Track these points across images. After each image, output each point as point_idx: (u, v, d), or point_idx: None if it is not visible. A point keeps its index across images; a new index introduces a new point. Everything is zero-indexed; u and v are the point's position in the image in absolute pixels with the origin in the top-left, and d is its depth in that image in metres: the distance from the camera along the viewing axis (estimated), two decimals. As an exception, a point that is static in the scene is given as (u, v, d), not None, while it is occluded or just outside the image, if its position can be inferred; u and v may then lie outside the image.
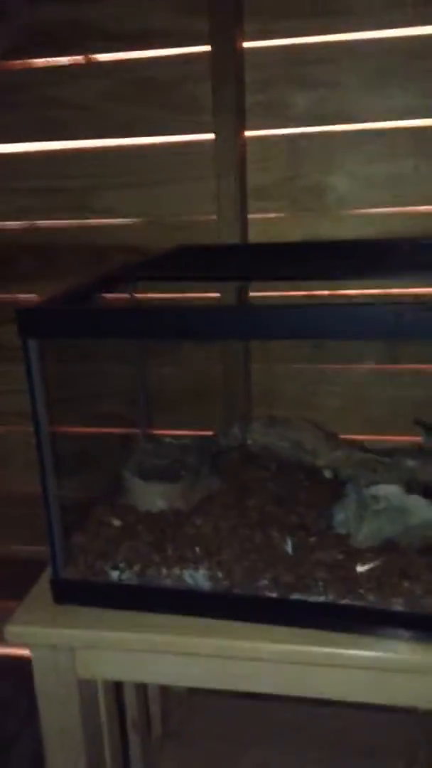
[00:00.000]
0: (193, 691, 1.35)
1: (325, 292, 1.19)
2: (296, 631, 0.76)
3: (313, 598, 0.76)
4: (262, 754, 1.24)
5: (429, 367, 1.20)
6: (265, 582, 0.78)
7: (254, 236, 1.21)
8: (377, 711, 1.28)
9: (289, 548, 0.78)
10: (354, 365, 1.23)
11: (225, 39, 1.10)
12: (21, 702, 1.44)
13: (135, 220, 1.26)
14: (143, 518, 0.92)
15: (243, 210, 1.20)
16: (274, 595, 0.78)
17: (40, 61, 1.19)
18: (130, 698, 1.11)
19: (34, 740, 1.32)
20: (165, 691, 1.26)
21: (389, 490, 0.77)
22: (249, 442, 0.88)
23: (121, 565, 0.84)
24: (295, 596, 0.77)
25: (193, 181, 1.20)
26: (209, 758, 1.23)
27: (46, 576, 0.89)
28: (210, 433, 1.06)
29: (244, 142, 1.17)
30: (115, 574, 0.84)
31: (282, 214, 1.21)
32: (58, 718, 0.84)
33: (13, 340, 1.37)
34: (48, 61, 1.19)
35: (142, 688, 1.15)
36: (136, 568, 0.83)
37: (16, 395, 1.42)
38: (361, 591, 0.74)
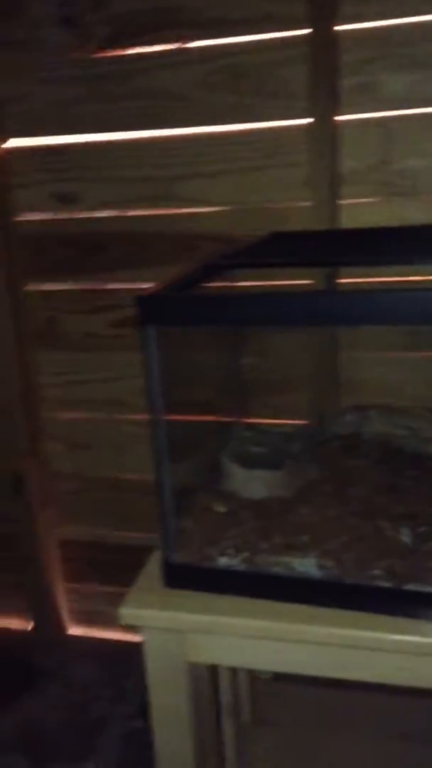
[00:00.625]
0: (278, 678, 1.36)
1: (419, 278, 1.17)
2: (410, 621, 0.75)
3: (428, 589, 0.75)
4: (350, 741, 1.24)
5: None
6: (377, 571, 0.78)
7: (346, 222, 1.20)
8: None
9: (404, 537, 0.78)
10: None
11: (322, 23, 1.09)
12: (108, 687, 1.47)
13: (224, 208, 1.26)
14: (246, 505, 0.92)
15: (335, 195, 1.18)
16: (387, 584, 0.77)
17: (134, 51, 1.20)
18: (224, 683, 1.12)
19: (124, 721, 1.35)
20: (253, 677, 1.27)
21: None
22: (364, 430, 0.87)
23: (230, 551, 0.85)
24: (410, 586, 0.76)
25: (285, 168, 1.20)
26: (298, 744, 1.24)
27: (153, 561, 0.90)
28: (304, 422, 1.06)
29: (337, 126, 1.16)
30: (223, 560, 0.84)
31: (374, 199, 1.19)
32: (167, 699, 0.86)
33: (104, 329, 1.41)
34: (142, 50, 1.19)
35: (234, 675, 1.16)
36: (245, 554, 0.84)
37: (104, 384, 1.44)
38: None
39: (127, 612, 0.83)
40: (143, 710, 1.43)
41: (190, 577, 0.84)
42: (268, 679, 1.35)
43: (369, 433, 0.87)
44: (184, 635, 0.82)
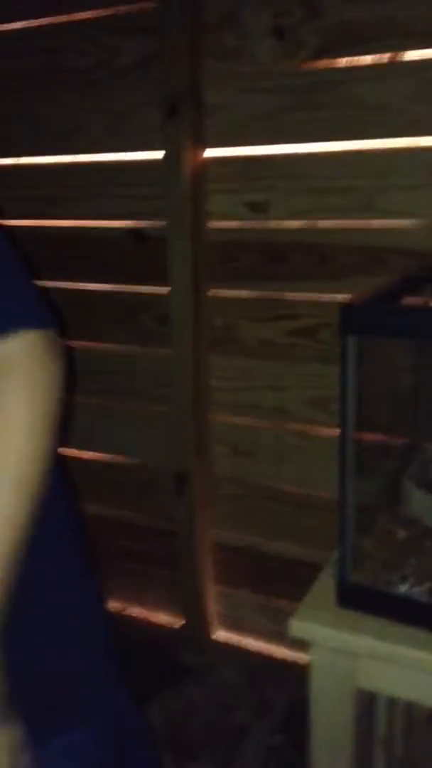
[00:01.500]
0: (433, 720, 1.29)
1: None
2: None
3: None
4: None
5: None
6: None
7: None
8: None
9: None
10: None
11: None
12: (250, 696, 1.46)
13: (420, 221, 1.21)
14: (429, 533, 0.88)
15: None
16: None
17: (343, 61, 1.19)
18: (380, 716, 1.07)
19: (264, 735, 1.33)
20: (409, 714, 1.21)
21: None
22: None
23: (411, 578, 0.81)
24: None
25: None
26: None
27: (324, 577, 0.88)
28: None
29: None
30: (403, 587, 0.81)
31: None
32: (331, 721, 0.83)
33: (279, 337, 1.41)
34: (351, 60, 1.18)
35: (391, 708, 1.11)
36: (427, 584, 0.80)
37: (272, 392, 1.44)
38: None
39: (298, 625, 0.81)
40: (285, 725, 1.41)
41: (365, 600, 0.82)
42: (424, 718, 1.28)
43: None
44: (356, 659, 0.80)
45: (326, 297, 1.33)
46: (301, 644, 0.84)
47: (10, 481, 0.65)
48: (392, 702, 1.10)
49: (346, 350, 0.75)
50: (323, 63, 1.20)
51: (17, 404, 0.67)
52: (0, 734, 0.64)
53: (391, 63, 1.16)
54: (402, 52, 1.15)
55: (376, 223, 1.25)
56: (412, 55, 1.14)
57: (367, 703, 0.91)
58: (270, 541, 1.53)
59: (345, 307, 0.74)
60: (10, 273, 0.75)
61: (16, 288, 0.74)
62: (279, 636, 1.53)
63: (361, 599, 0.82)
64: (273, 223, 1.35)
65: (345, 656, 0.80)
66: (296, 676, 1.10)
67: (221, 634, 1.67)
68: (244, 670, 1.53)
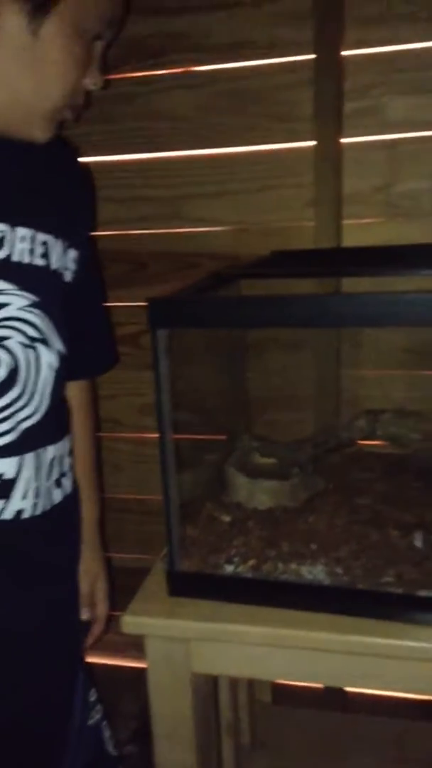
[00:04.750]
0: (277, 702, 1.34)
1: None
2: (422, 628, 0.75)
3: (439, 595, 0.75)
4: (349, 767, 1.21)
5: None
6: (388, 578, 0.77)
7: (349, 242, 1.22)
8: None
9: (417, 543, 0.77)
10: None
11: (327, 48, 1.12)
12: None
13: (227, 228, 1.28)
14: (252, 515, 0.92)
15: (338, 216, 1.21)
16: (398, 591, 0.76)
17: (139, 74, 1.22)
18: (224, 703, 1.10)
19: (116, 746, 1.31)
20: (252, 700, 1.25)
21: None
22: (378, 432, 0.88)
23: (236, 559, 0.84)
24: (423, 593, 0.76)
25: (290, 189, 1.22)
26: (298, 769, 1.21)
27: (157, 570, 0.89)
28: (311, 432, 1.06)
29: (341, 148, 1.18)
30: (229, 568, 0.83)
31: (377, 220, 1.21)
32: (170, 710, 0.84)
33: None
34: (147, 74, 1.22)
35: (234, 694, 1.14)
36: (251, 562, 0.83)
37: (104, 401, 1.44)
38: None
39: (131, 620, 0.82)
40: (135, 736, 1.40)
41: (195, 585, 0.83)
42: (267, 703, 1.33)
43: (382, 437, 0.88)
44: (189, 644, 0.81)
45: (145, 304, 1.35)
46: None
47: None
48: (234, 687, 1.13)
49: (156, 344, 0.77)
50: (120, 76, 1.23)
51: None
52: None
53: (185, 75, 1.21)
54: (195, 66, 1.20)
55: (185, 230, 1.29)
56: (204, 68, 1.20)
57: (210, 690, 0.93)
58: (114, 552, 1.52)
59: (151, 302, 0.76)
60: (104, 311, 1.05)
61: (109, 325, 1.08)
62: (128, 646, 1.52)
63: (192, 586, 0.84)
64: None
65: (179, 643, 0.81)
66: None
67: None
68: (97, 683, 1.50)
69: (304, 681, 0.80)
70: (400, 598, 0.76)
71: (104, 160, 1.29)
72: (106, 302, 1.09)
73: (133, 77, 1.24)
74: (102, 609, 1.03)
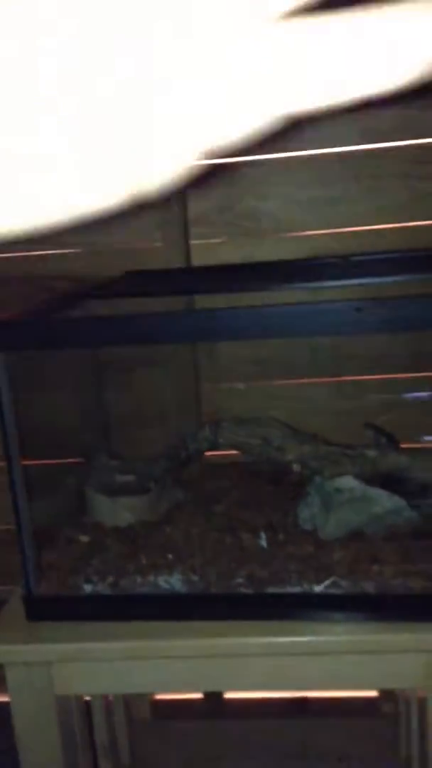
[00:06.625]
0: (156, 716, 1.34)
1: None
2: (275, 624, 0.78)
3: (288, 590, 0.79)
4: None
5: (369, 378, 1.27)
6: (239, 579, 0.81)
7: (197, 261, 1.26)
8: (345, 717, 1.30)
9: (263, 543, 0.81)
10: (298, 380, 1.29)
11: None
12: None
13: (80, 250, 1.29)
14: (111, 533, 0.92)
15: (186, 236, 1.25)
16: (249, 591, 0.80)
17: None
18: (98, 724, 1.09)
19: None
20: (129, 718, 1.25)
21: (352, 483, 0.81)
22: (220, 441, 0.91)
23: (94, 577, 0.84)
24: (270, 590, 0.79)
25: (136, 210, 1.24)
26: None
27: (15, 598, 0.88)
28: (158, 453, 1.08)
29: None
30: (88, 587, 0.84)
31: (222, 240, 1.26)
32: (36, 738, 0.83)
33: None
34: None
35: (109, 715, 1.14)
36: (110, 579, 0.84)
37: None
38: (334, 579, 0.78)
39: (-12, 650, 0.80)
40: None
41: (53, 608, 0.83)
42: (146, 719, 1.33)
43: (225, 445, 0.91)
44: (50, 667, 0.81)
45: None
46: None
47: None
48: (109, 708, 1.13)
49: (-2, 367, 0.77)
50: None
51: None
52: None
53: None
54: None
55: (37, 252, 1.29)
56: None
57: (81, 714, 0.92)
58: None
59: (-12, 325, 0.76)
60: None
61: None
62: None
63: (50, 609, 0.83)
64: None
65: (39, 667, 0.80)
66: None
67: None
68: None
69: (166, 691, 0.82)
70: (250, 597, 0.79)
71: None
72: None
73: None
74: None
